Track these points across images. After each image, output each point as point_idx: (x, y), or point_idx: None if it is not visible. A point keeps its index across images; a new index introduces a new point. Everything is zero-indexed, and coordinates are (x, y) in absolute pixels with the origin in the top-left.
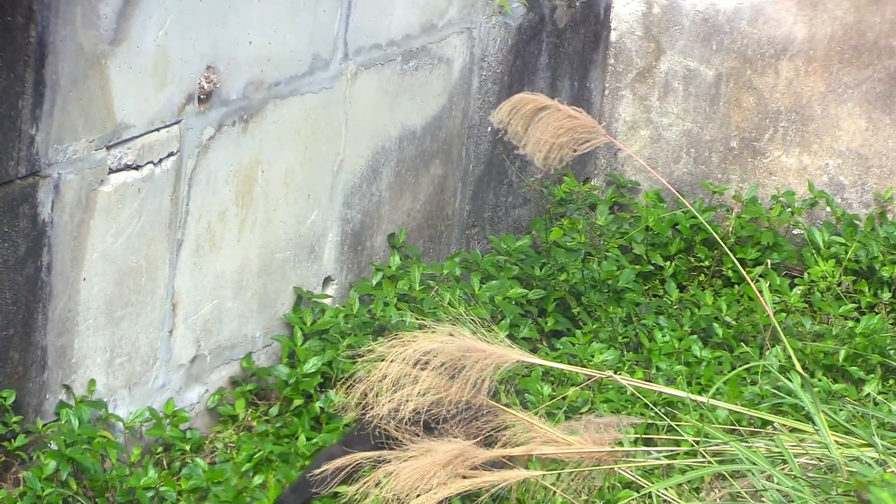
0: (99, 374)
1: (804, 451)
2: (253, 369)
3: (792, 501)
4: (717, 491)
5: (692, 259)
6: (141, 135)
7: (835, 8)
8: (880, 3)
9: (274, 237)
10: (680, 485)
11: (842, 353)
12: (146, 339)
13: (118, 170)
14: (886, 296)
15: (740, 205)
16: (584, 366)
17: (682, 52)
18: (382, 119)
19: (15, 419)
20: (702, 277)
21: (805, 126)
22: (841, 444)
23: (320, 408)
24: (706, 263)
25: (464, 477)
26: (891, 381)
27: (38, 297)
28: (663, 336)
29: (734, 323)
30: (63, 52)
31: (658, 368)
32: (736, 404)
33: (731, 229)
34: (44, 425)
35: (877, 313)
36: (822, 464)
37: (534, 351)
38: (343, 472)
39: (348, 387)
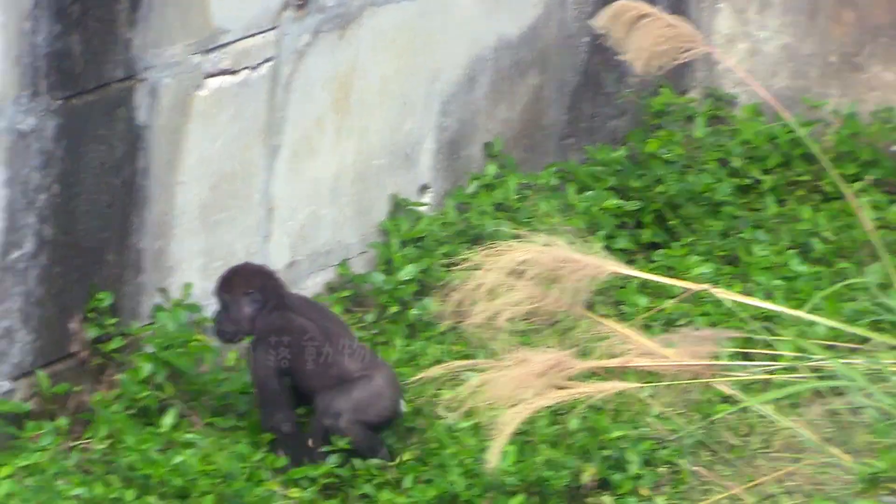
0: (195, 277)
1: None
2: (349, 276)
3: (891, 419)
4: (815, 407)
5: (790, 173)
6: (237, 40)
7: None
8: None
9: (370, 144)
10: (777, 400)
11: None
12: (242, 244)
13: (215, 74)
14: None
15: (839, 120)
16: (680, 278)
17: None
18: (479, 28)
19: (111, 321)
20: (800, 192)
21: None
22: None
23: (416, 315)
24: (805, 178)
25: (559, 388)
26: None
27: (135, 201)
28: (761, 250)
29: (833, 238)
30: None
31: (756, 282)
32: (835, 320)
33: (829, 144)
34: (140, 328)
35: None
36: None
37: (630, 263)
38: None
39: (444, 294)
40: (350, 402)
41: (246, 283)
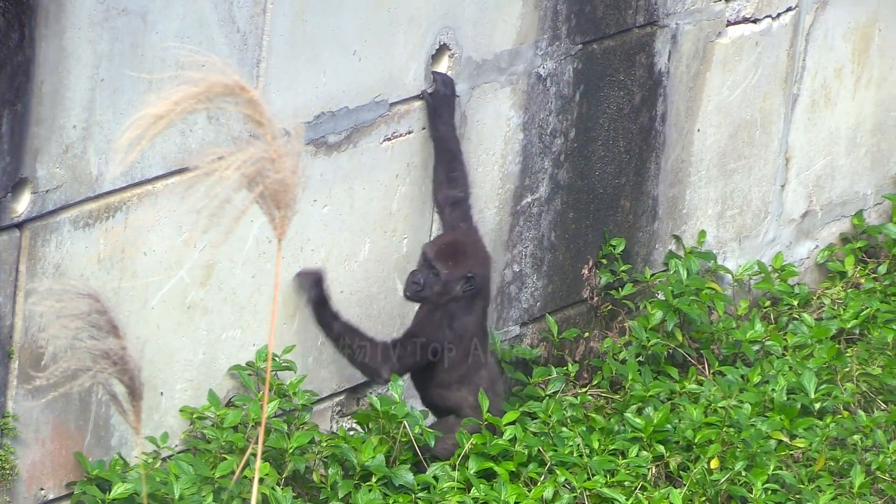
0: (709, 225)
1: None
2: (863, 227)
3: None
4: None
5: None
6: None
7: None
8: None
9: (888, 95)
10: None
11: None
12: (758, 192)
13: (735, 22)
14: None
15: None
16: None
17: None
18: None
19: (623, 268)
20: None
21: None
22: None
23: None
24: None
25: None
26: None
27: (652, 147)
28: None
29: None
30: None
31: None
32: None
33: None
34: (652, 275)
35: None
36: None
37: None
38: None
39: None
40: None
41: (469, 263)
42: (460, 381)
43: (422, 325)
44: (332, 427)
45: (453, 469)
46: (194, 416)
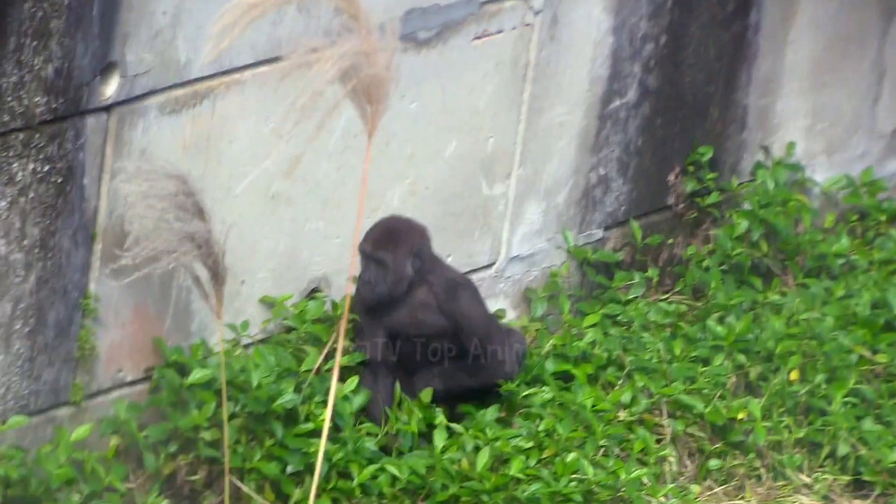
0: (798, 137)
1: None
2: None
3: None
4: None
5: None
6: None
7: None
8: None
9: None
10: None
11: None
12: (850, 106)
13: None
14: None
15: None
16: None
17: None
18: None
19: (710, 176)
20: None
21: None
22: None
23: None
24: None
25: None
26: None
27: (743, 56)
28: None
29: None
30: None
31: None
32: None
33: None
34: (739, 185)
35: None
36: None
37: None
38: None
39: None
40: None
41: (410, 244)
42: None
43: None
44: None
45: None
46: (275, 305)
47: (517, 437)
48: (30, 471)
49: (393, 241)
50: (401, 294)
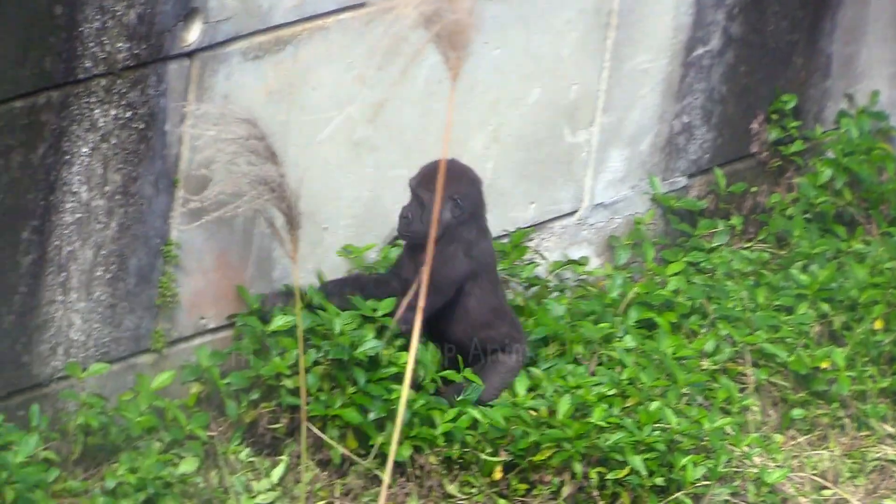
0: (883, 86)
1: None
2: None
3: None
4: None
5: None
6: None
7: None
8: None
9: None
10: None
11: None
12: None
13: None
14: None
15: None
16: None
17: None
18: None
19: (793, 124)
20: None
21: None
22: None
23: None
24: None
25: None
26: None
27: (827, 4)
28: None
29: None
30: None
31: None
32: None
33: None
34: (822, 133)
35: None
36: None
37: None
38: None
39: None
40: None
41: (453, 187)
42: (498, 317)
43: (437, 262)
44: None
45: (615, 316)
46: (354, 253)
47: (598, 384)
48: (110, 419)
49: (436, 183)
50: (437, 237)
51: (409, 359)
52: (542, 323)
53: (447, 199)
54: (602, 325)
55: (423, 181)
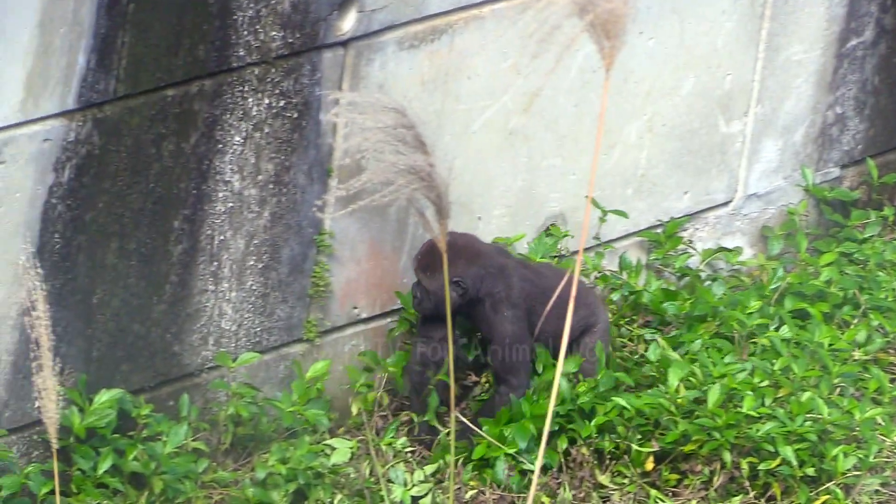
0: None
1: None
2: None
3: None
4: None
5: None
6: None
7: None
8: None
9: None
10: None
11: None
12: None
13: None
14: None
15: None
16: None
17: None
18: None
19: None
20: None
21: None
22: None
23: None
24: None
25: None
26: None
27: None
28: None
29: None
30: None
31: None
32: None
33: None
34: None
35: None
36: None
37: None
38: None
39: None
40: None
41: (452, 269)
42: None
43: (485, 328)
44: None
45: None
46: (507, 243)
47: (742, 371)
48: (261, 409)
49: (432, 267)
50: (462, 306)
51: (562, 347)
52: (702, 300)
53: (449, 281)
54: (752, 310)
55: (421, 265)
